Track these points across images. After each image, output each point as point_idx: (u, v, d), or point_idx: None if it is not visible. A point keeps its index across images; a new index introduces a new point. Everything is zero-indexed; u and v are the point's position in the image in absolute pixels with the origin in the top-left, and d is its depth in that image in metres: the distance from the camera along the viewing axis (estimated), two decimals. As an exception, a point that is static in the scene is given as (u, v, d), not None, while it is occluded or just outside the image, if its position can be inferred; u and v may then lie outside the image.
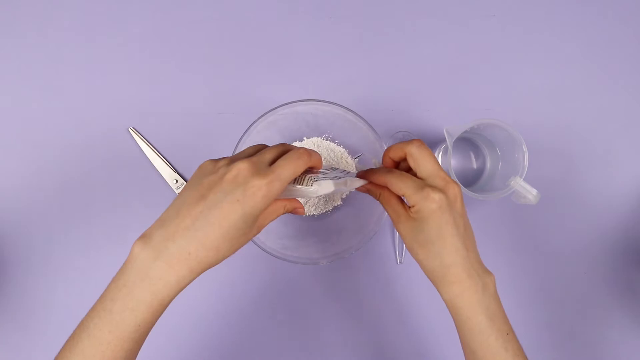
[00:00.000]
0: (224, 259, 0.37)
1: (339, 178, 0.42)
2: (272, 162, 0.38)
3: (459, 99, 0.64)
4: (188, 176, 0.61)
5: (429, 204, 0.39)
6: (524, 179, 0.53)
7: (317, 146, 0.60)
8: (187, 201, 0.36)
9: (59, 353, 0.37)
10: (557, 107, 0.64)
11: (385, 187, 0.43)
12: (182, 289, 0.36)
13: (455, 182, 0.41)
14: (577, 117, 0.64)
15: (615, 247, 0.63)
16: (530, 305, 0.62)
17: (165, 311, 0.37)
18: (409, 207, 0.41)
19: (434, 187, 0.39)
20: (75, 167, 0.61)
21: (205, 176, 0.37)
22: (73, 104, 0.62)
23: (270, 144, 0.42)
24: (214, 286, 0.61)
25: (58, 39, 0.63)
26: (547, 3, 0.66)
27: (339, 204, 0.61)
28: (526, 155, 0.53)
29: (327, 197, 0.60)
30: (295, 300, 0.61)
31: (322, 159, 0.59)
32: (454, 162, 0.62)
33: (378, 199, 0.45)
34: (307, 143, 0.60)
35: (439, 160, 0.61)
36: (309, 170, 0.42)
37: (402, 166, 0.45)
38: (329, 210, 0.60)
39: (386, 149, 0.44)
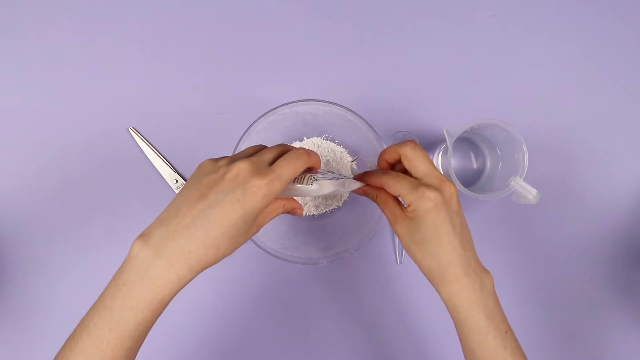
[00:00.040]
0: (223, 257, 0.37)
1: (337, 179, 0.43)
2: (272, 162, 0.38)
3: (459, 99, 0.64)
4: (188, 176, 0.61)
5: (425, 202, 0.39)
6: (524, 179, 0.53)
7: (317, 146, 0.60)
8: (187, 200, 0.36)
9: (60, 352, 0.37)
10: (557, 107, 0.64)
11: (381, 189, 0.43)
12: (182, 288, 0.36)
13: (451, 182, 0.41)
14: (577, 117, 0.64)
15: (615, 247, 0.63)
16: (530, 305, 0.62)
17: (165, 310, 0.37)
18: (405, 207, 0.41)
19: (429, 186, 0.39)
20: (75, 167, 0.61)
21: (205, 175, 0.37)
22: (73, 104, 0.62)
23: (270, 144, 0.42)
24: (214, 285, 0.61)
25: (58, 39, 0.63)
26: (547, 3, 0.66)
27: (339, 205, 0.60)
28: (526, 155, 0.53)
29: (327, 199, 0.60)
30: (295, 300, 0.61)
31: (322, 159, 0.59)
32: (454, 162, 0.62)
33: (375, 201, 0.45)
34: (307, 143, 0.60)
35: (439, 161, 0.61)
36: (309, 170, 0.42)
37: (397, 168, 0.45)
38: (328, 211, 0.60)
39: (381, 152, 0.45)
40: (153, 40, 0.63)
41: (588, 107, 0.65)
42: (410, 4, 0.65)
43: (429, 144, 0.63)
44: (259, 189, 0.35)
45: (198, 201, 0.36)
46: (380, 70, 0.64)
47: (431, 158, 0.54)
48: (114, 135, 0.62)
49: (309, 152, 0.40)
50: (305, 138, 0.60)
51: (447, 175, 0.49)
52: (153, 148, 0.61)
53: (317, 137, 0.60)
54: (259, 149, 0.41)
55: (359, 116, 0.54)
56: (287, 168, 0.37)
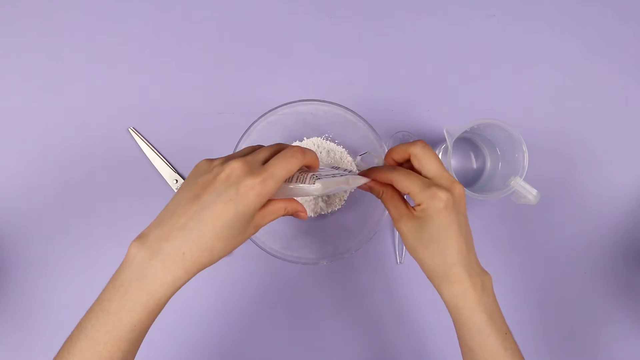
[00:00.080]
0: (219, 259, 0.37)
1: (341, 176, 0.42)
2: (267, 161, 0.38)
3: (459, 99, 0.64)
4: (188, 176, 0.61)
5: (436, 202, 0.39)
6: (524, 179, 0.53)
7: (317, 146, 0.60)
8: (182, 201, 0.36)
9: (58, 353, 0.37)
10: (557, 107, 0.64)
11: (387, 185, 0.43)
12: (177, 289, 0.36)
13: (460, 183, 0.41)
14: (577, 117, 0.64)
15: (615, 247, 0.63)
16: (530, 305, 0.62)
17: (165, 309, 0.37)
18: (414, 205, 0.41)
19: (440, 186, 0.39)
20: (75, 167, 0.61)
21: (201, 175, 0.37)
22: (73, 104, 0.62)
23: (269, 144, 0.42)
24: (214, 285, 0.61)
25: (58, 39, 0.63)
26: (547, 3, 0.66)
27: (339, 207, 0.60)
28: (526, 155, 0.53)
29: (329, 200, 0.60)
30: (295, 300, 0.61)
31: (322, 158, 0.59)
32: (454, 162, 0.62)
33: (380, 197, 0.45)
34: (307, 143, 0.60)
35: (439, 160, 0.61)
36: (308, 169, 0.42)
37: (404, 167, 0.45)
38: (329, 212, 0.60)
39: (388, 150, 0.44)
40: (153, 40, 0.63)
41: (588, 107, 0.65)
42: (410, 4, 0.65)
43: (429, 144, 0.62)
44: (251, 189, 0.35)
45: (192, 202, 0.36)
46: (380, 70, 0.64)
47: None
48: (114, 135, 0.62)
49: (303, 150, 0.39)
50: (305, 138, 0.60)
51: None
52: (153, 148, 0.61)
53: (317, 137, 0.60)
54: (256, 149, 0.40)
55: (359, 116, 0.54)
56: (281, 167, 0.37)
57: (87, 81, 0.62)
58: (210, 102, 0.62)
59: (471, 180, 0.62)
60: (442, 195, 0.39)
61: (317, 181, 0.39)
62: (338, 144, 0.60)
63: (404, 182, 0.41)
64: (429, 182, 0.40)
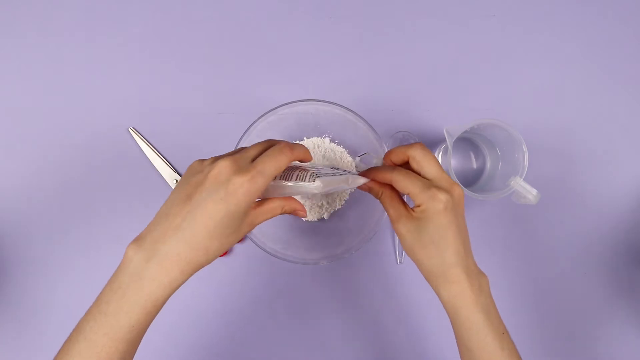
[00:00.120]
0: (214, 258, 0.37)
1: (341, 175, 0.42)
2: (256, 158, 0.38)
3: (459, 99, 0.64)
4: (188, 176, 0.61)
5: (436, 204, 0.39)
6: (524, 179, 0.53)
7: (317, 146, 0.60)
8: (175, 202, 0.36)
9: (57, 354, 0.37)
10: (557, 107, 0.64)
11: (387, 186, 0.43)
12: (175, 290, 0.36)
13: (459, 185, 0.41)
14: (577, 117, 0.64)
15: (615, 247, 0.63)
16: (530, 305, 0.62)
17: (164, 309, 0.37)
18: (414, 206, 0.41)
19: (440, 188, 0.39)
20: (75, 167, 0.61)
21: (193, 175, 0.37)
22: (73, 104, 0.62)
23: (258, 141, 0.41)
24: (213, 285, 0.61)
25: (58, 39, 0.63)
26: (547, 3, 0.66)
27: (339, 207, 0.60)
28: (526, 155, 0.53)
29: (329, 200, 0.60)
30: (295, 300, 0.61)
31: (322, 159, 0.59)
32: (454, 162, 0.62)
33: (379, 197, 0.45)
34: (307, 143, 0.60)
35: (439, 161, 0.61)
36: (301, 163, 0.42)
37: None
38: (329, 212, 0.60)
39: (387, 152, 0.44)
40: (153, 40, 0.63)
41: (588, 107, 0.65)
42: (410, 4, 0.65)
43: (429, 144, 0.63)
44: (240, 186, 0.35)
45: (185, 202, 0.36)
46: (380, 70, 0.64)
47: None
48: (114, 135, 0.62)
49: (291, 146, 0.39)
50: (305, 138, 0.60)
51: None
52: (153, 148, 0.61)
53: (317, 137, 0.60)
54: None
55: (359, 116, 0.54)
56: (270, 164, 0.37)
57: (87, 81, 0.62)
58: (210, 102, 0.63)
59: (471, 180, 0.62)
60: (442, 196, 0.39)
61: (317, 179, 0.39)
62: (338, 144, 0.60)
63: (403, 182, 0.41)
64: (429, 183, 0.40)
